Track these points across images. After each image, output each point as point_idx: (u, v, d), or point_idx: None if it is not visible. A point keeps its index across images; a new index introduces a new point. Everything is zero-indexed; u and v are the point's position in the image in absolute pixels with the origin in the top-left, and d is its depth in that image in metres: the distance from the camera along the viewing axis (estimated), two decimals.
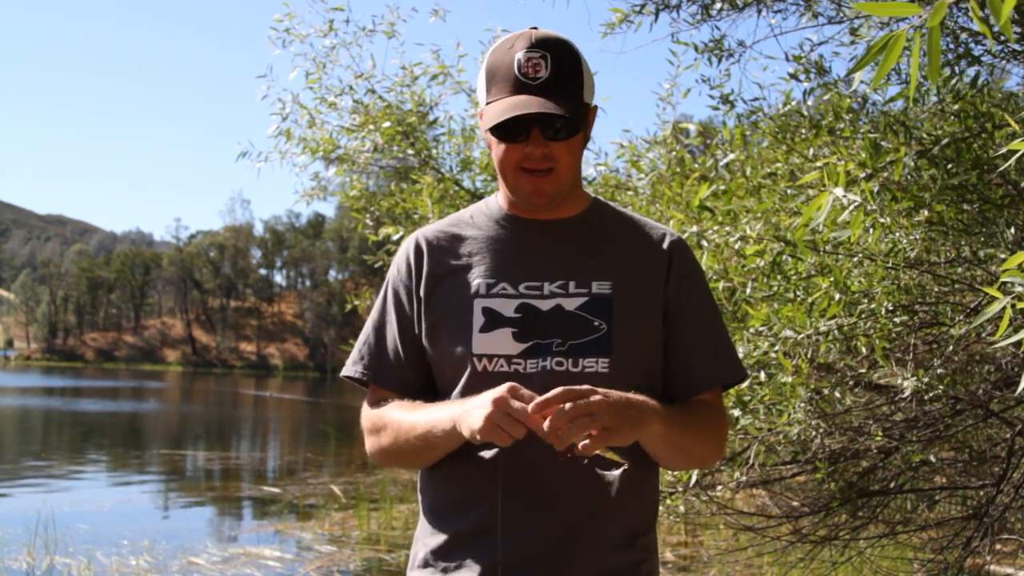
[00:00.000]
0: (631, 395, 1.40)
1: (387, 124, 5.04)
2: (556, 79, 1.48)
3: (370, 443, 1.61)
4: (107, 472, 13.39)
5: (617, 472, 1.39)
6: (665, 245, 1.60)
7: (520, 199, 1.55)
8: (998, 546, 3.83)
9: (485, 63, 1.56)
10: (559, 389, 1.32)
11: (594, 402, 1.31)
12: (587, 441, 1.31)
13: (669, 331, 1.56)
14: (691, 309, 1.59)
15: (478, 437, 1.35)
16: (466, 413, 1.38)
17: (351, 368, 1.64)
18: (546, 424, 1.31)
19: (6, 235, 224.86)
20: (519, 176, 1.52)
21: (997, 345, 1.47)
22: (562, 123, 1.49)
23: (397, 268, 1.63)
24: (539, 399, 1.32)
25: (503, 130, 1.50)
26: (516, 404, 1.33)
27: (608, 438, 1.32)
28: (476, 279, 1.55)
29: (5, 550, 7.08)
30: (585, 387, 1.33)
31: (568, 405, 1.31)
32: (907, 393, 2.61)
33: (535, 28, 1.53)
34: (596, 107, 1.60)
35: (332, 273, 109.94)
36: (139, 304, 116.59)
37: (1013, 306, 1.29)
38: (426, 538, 1.57)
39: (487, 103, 1.52)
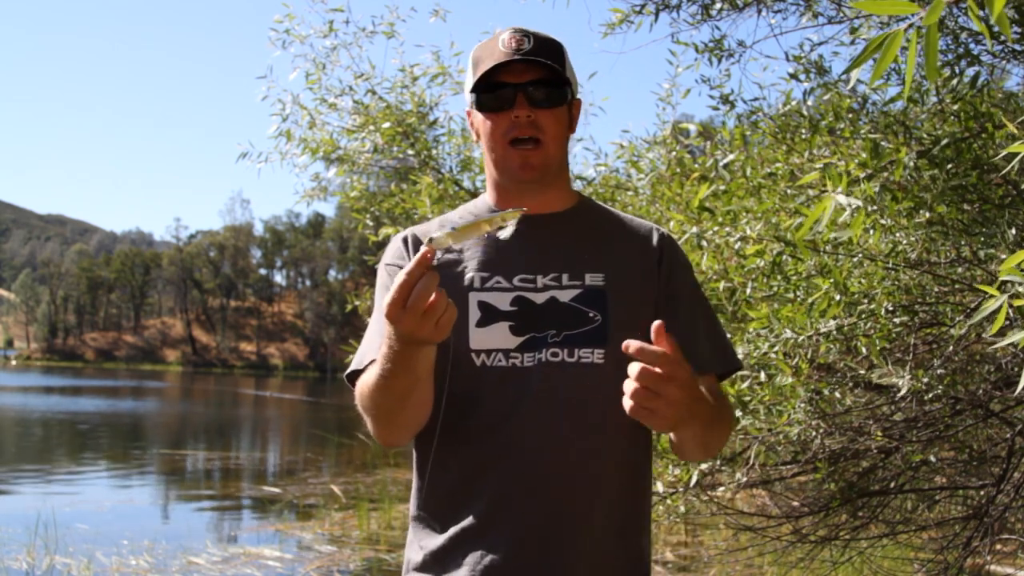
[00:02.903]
0: (700, 388, 1.37)
1: (387, 125, 5.04)
2: (539, 50, 1.53)
3: (369, 425, 1.50)
4: (107, 472, 13.39)
5: (510, 224, 1.32)
6: (654, 240, 1.62)
7: (509, 176, 1.57)
8: (998, 546, 3.83)
9: (470, 57, 1.60)
10: (663, 353, 1.25)
11: (683, 374, 1.26)
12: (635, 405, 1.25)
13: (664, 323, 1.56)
14: (684, 301, 1.60)
15: (435, 339, 1.29)
16: (413, 340, 1.30)
17: (368, 360, 1.52)
18: (633, 385, 1.25)
19: (6, 235, 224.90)
20: (508, 151, 1.54)
21: (996, 345, 1.47)
22: (546, 93, 1.53)
23: (391, 257, 1.62)
24: (642, 348, 1.25)
25: (488, 101, 1.54)
26: (390, 295, 1.25)
27: (658, 416, 1.26)
28: (469, 272, 1.55)
29: (5, 550, 7.08)
30: (679, 358, 1.27)
31: (664, 353, 1.25)
32: (903, 392, 2.61)
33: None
34: (580, 100, 1.64)
35: (332, 273, 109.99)
36: (139, 304, 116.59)
37: (1011, 305, 1.29)
38: (422, 540, 1.55)
39: (473, 81, 1.56)
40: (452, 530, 1.50)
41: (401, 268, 1.57)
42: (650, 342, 1.53)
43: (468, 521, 1.49)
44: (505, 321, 1.51)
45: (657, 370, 1.25)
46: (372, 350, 1.52)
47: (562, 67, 1.55)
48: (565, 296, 1.53)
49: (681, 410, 1.27)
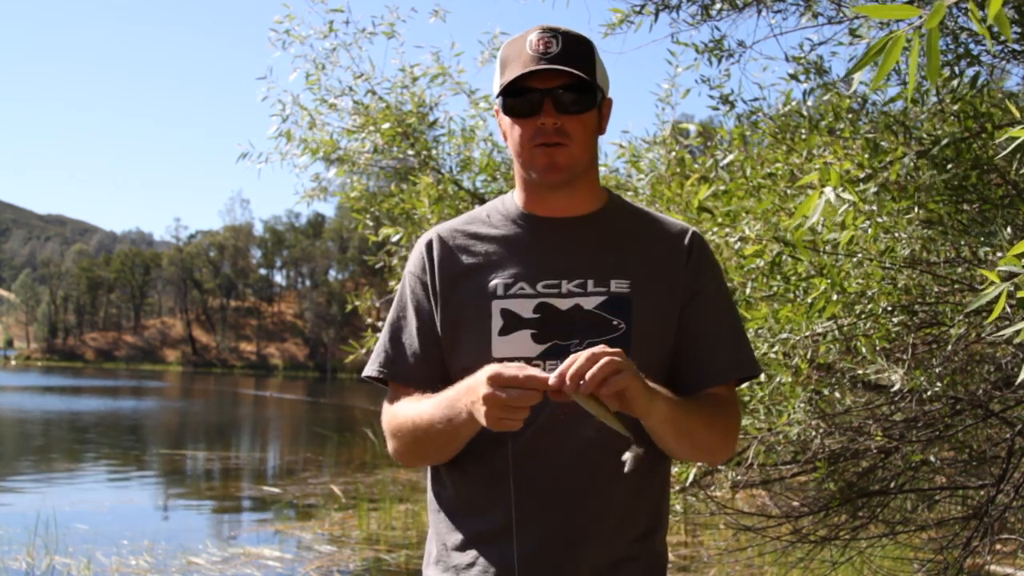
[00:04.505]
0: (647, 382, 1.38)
1: (387, 125, 5.04)
2: (567, 53, 1.50)
3: (392, 446, 1.59)
4: (107, 472, 13.39)
5: (629, 454, 1.36)
6: (685, 241, 1.59)
7: (535, 175, 1.54)
8: (998, 546, 3.83)
9: (499, 57, 1.57)
10: (571, 356, 1.31)
11: (608, 349, 1.31)
12: (605, 387, 1.29)
13: (685, 323, 1.55)
14: (708, 303, 1.58)
15: (487, 424, 1.34)
16: (474, 408, 1.37)
17: (370, 368, 1.63)
18: (570, 371, 1.28)
19: (6, 235, 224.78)
20: (534, 152, 1.52)
21: (997, 335, 1.47)
22: (574, 98, 1.49)
23: (413, 265, 1.63)
24: (559, 370, 1.30)
25: (515, 105, 1.51)
26: (510, 371, 1.31)
27: (627, 380, 1.30)
28: (493, 279, 1.54)
29: (5, 550, 7.07)
30: (600, 346, 1.33)
31: (584, 355, 1.29)
32: (896, 386, 2.61)
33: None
34: (611, 100, 1.60)
35: (332, 273, 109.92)
36: (139, 304, 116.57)
37: (1011, 293, 1.29)
38: (442, 536, 1.57)
39: (500, 85, 1.53)
40: (472, 530, 1.52)
41: (423, 283, 1.59)
42: (668, 350, 1.55)
43: (489, 524, 1.50)
44: (527, 329, 1.50)
45: (593, 351, 1.30)
46: (388, 356, 1.61)
47: (592, 69, 1.52)
48: (589, 303, 1.52)
49: (636, 374, 1.32)
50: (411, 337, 1.59)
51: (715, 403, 1.54)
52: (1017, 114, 2.30)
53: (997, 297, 1.28)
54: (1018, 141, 1.59)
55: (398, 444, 1.57)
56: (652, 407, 1.36)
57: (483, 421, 1.34)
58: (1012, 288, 1.28)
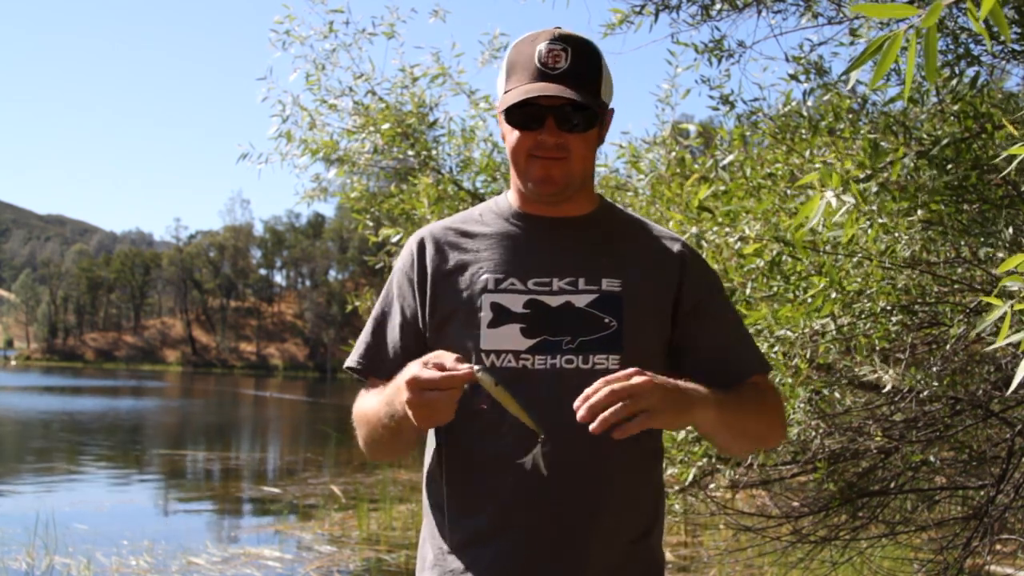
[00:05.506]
0: (681, 381, 1.40)
1: (387, 125, 5.04)
2: (575, 70, 1.50)
3: (359, 438, 1.62)
4: (107, 472, 13.38)
5: (536, 450, 1.40)
6: (675, 250, 1.61)
7: (530, 186, 1.55)
8: (998, 546, 3.83)
9: (506, 56, 1.57)
10: (600, 380, 1.30)
11: (636, 384, 1.30)
12: (625, 424, 1.29)
13: (698, 330, 1.58)
14: (716, 307, 1.61)
15: (416, 422, 1.38)
16: (405, 410, 1.39)
17: (350, 359, 1.66)
18: (585, 406, 1.29)
19: (6, 235, 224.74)
20: (530, 162, 1.52)
21: (994, 346, 1.47)
22: (578, 117, 1.50)
23: (401, 263, 1.64)
24: (582, 396, 1.30)
25: (518, 116, 1.51)
26: (426, 375, 1.33)
27: (649, 421, 1.30)
28: (484, 274, 1.55)
29: (5, 550, 7.07)
30: (629, 370, 1.33)
31: (608, 388, 1.29)
32: (887, 387, 2.62)
33: (559, 28, 1.55)
34: (612, 109, 1.61)
35: (332, 273, 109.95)
36: (139, 304, 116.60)
37: (1012, 311, 1.29)
38: (437, 538, 1.57)
39: (505, 92, 1.53)
40: (465, 530, 1.52)
41: (410, 280, 1.60)
42: (659, 350, 1.56)
43: (480, 522, 1.50)
44: (516, 323, 1.51)
45: (615, 387, 1.29)
46: (369, 349, 1.63)
47: (598, 82, 1.52)
48: (581, 301, 1.52)
49: (662, 400, 1.32)
50: (393, 332, 1.60)
51: (760, 392, 1.59)
52: (1013, 130, 2.30)
53: (1001, 317, 1.28)
54: (1020, 158, 1.59)
55: (360, 435, 1.61)
56: (695, 420, 1.41)
57: (415, 423, 1.38)
58: (1012, 308, 1.28)
